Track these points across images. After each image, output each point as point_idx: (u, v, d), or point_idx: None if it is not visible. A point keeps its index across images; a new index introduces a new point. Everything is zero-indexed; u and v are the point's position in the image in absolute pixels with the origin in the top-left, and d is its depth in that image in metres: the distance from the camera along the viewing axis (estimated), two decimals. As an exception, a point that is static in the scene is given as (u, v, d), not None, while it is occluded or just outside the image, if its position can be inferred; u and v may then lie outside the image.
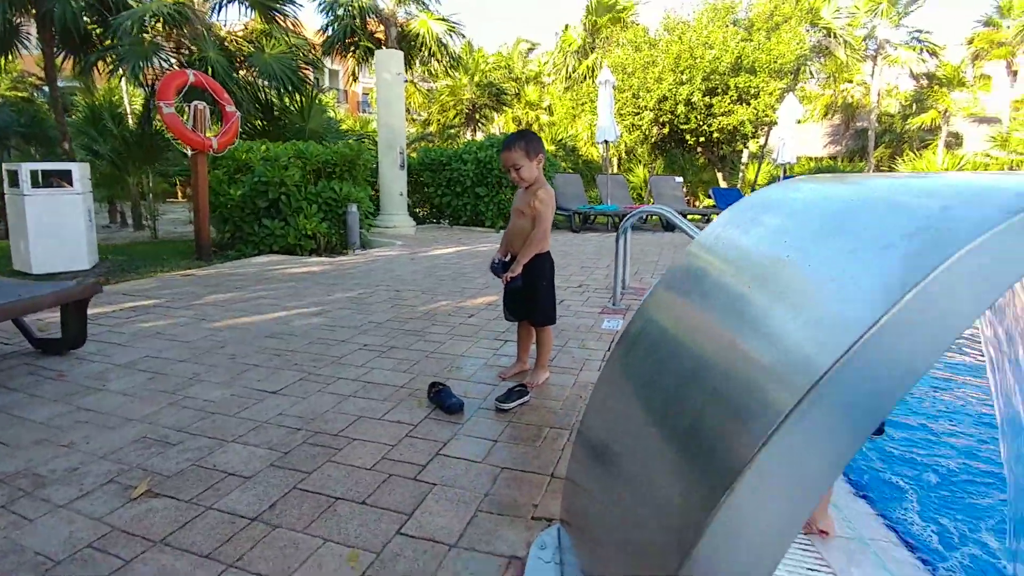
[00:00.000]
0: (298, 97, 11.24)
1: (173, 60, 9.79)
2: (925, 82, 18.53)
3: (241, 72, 10.86)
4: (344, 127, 18.94)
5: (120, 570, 1.46)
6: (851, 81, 19.22)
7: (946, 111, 18.08)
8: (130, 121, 11.12)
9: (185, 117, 6.08)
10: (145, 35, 8.87)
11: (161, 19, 8.93)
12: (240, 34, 11.28)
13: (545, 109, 23.92)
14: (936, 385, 3.33)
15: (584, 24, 18.22)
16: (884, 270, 0.65)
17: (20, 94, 15.22)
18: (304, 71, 11.29)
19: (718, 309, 1.06)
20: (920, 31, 17.13)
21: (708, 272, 1.26)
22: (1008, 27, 18.31)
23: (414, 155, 11.30)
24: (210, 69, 9.25)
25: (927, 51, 17.30)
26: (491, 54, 23.28)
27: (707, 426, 0.78)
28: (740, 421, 0.69)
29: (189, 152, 6.10)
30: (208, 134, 6.18)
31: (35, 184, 5.24)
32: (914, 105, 18.83)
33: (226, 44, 10.59)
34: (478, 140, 10.56)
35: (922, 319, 0.59)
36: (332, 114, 22.09)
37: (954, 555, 1.76)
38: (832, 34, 16.12)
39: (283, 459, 2.04)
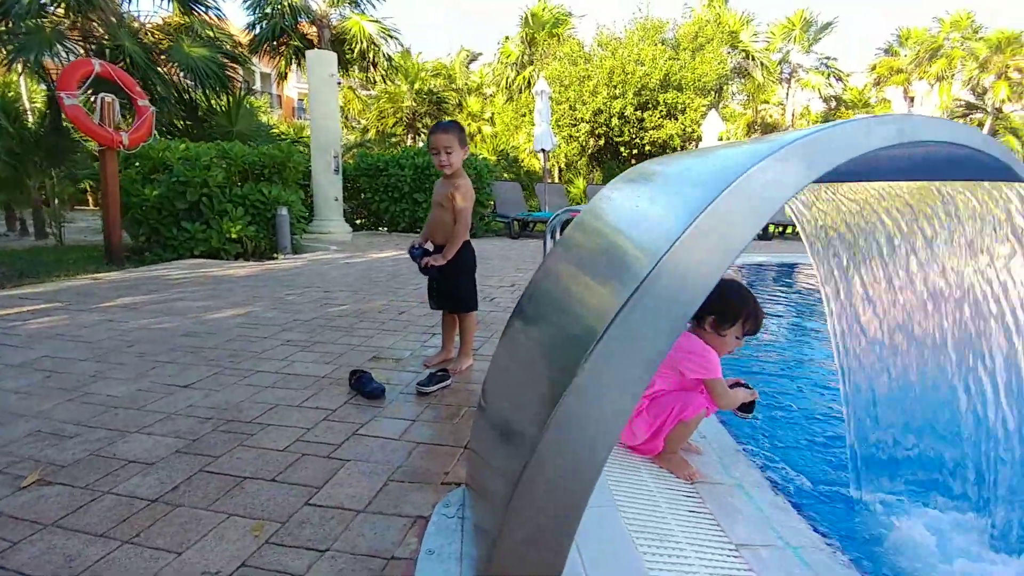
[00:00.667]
0: (225, 98, 10.89)
1: (81, 50, 9.20)
2: (834, 104, 20.00)
3: (164, 68, 10.41)
4: (276, 132, 18.45)
5: (6, 552, 1.39)
6: (768, 102, 20.50)
7: (854, 130, 19.58)
8: (30, 119, 10.40)
9: (93, 111, 5.74)
10: (45, 21, 8.30)
11: (64, 3, 8.39)
12: (157, 25, 10.76)
13: (487, 120, 24.18)
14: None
15: (522, 37, 18.61)
16: (690, 201, 0.79)
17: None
18: (230, 69, 10.95)
19: (586, 249, 1.28)
20: (828, 58, 18.53)
21: (581, 227, 1.49)
22: (905, 55, 20.09)
23: (351, 160, 11.16)
24: (127, 60, 8.83)
25: (834, 76, 18.70)
26: (430, 61, 23.36)
27: (562, 336, 0.90)
28: (588, 319, 0.82)
29: (97, 149, 5.79)
30: (120, 129, 5.88)
31: None
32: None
33: (141, 37, 10.11)
34: (417, 147, 10.52)
35: (712, 231, 0.76)
36: (264, 118, 21.50)
37: (815, 492, 1.94)
38: (750, 56, 17.18)
39: (190, 446, 1.98)
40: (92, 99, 5.78)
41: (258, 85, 30.30)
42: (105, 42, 9.00)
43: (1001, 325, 1.47)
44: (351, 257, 7.17)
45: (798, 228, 1.85)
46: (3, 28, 8.38)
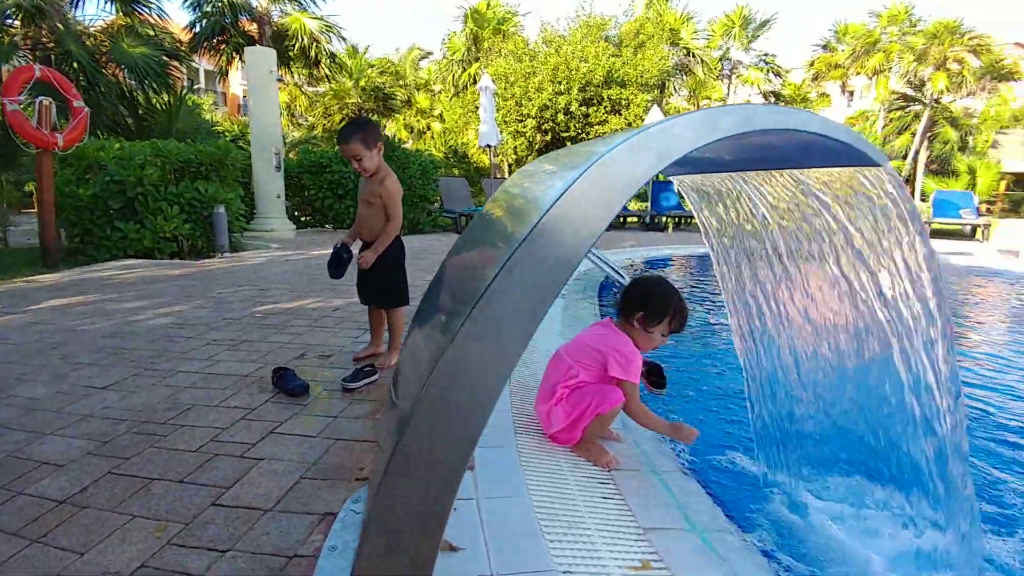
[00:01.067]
0: (165, 96, 10.52)
1: (32, 58, 8.87)
2: (773, 99, 20.76)
3: (106, 70, 10.00)
4: (220, 130, 17.85)
5: None
6: (710, 97, 21.13)
7: (791, 126, 20.38)
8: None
9: (31, 114, 5.58)
10: (4, 34, 8.00)
11: (21, 15, 8.10)
12: (100, 27, 10.37)
13: (437, 117, 24.02)
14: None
15: (467, 34, 18.58)
16: (566, 179, 0.89)
17: None
18: (171, 67, 10.59)
19: (488, 228, 1.36)
20: (767, 54, 19.19)
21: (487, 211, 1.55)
22: (843, 50, 21.00)
23: (294, 156, 10.94)
24: (74, 64, 8.46)
25: (773, 72, 19.39)
26: (376, 58, 22.99)
27: (449, 303, 0.98)
28: (476, 280, 0.92)
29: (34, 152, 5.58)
30: (56, 131, 5.67)
31: None
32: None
33: (85, 41, 9.71)
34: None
35: (582, 202, 0.86)
36: (208, 116, 20.76)
37: (727, 474, 2.07)
38: (691, 54, 17.66)
39: (102, 447, 1.96)
40: (31, 104, 5.60)
41: (202, 83, 29.22)
42: (52, 48, 8.63)
43: (889, 310, 1.52)
44: (291, 255, 7.06)
45: (697, 219, 1.96)
46: None
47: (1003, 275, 7.66)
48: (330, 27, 12.20)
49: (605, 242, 9.34)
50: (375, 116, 19.84)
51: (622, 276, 4.77)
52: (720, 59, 18.87)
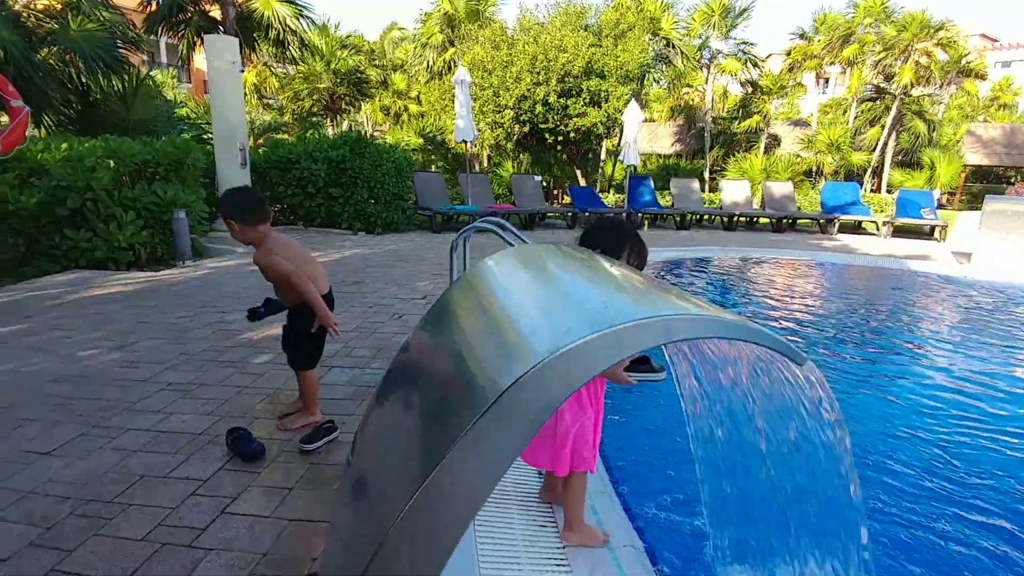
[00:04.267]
0: (119, 83, 10.02)
1: None
2: (751, 89, 20.81)
3: (44, 52, 9.46)
4: (183, 113, 17.16)
5: None
6: (691, 86, 21.08)
7: (766, 116, 20.50)
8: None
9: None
10: None
11: None
12: (40, 7, 9.79)
13: (413, 99, 23.51)
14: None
15: (440, 15, 18.13)
16: (558, 331, 0.87)
17: None
18: (124, 51, 10.09)
19: (472, 322, 1.34)
20: (746, 43, 19.14)
21: (470, 293, 1.53)
22: (819, 40, 21.09)
23: (262, 150, 10.59)
24: (2, 53, 7.96)
25: (750, 62, 19.39)
26: (348, 34, 22.28)
27: (438, 408, 1.05)
28: (470, 395, 0.94)
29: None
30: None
31: None
32: (741, 110, 21.12)
33: (22, 20, 9.15)
34: (329, 137, 10.10)
35: (568, 363, 0.82)
36: (170, 96, 19.94)
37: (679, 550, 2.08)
38: (671, 44, 17.53)
39: (44, 536, 1.87)
40: None
41: (164, 59, 27.94)
42: None
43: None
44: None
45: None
46: None
47: (955, 283, 7.89)
48: (301, 12, 11.76)
49: (573, 244, 9.30)
50: (349, 100, 19.34)
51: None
52: (699, 48, 18.75)
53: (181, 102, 19.84)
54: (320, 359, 2.74)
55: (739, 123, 21.20)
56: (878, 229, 12.86)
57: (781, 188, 14.11)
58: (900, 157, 21.64)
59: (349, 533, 1.31)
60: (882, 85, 21.49)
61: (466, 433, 0.83)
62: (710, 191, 18.86)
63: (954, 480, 2.67)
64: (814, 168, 20.15)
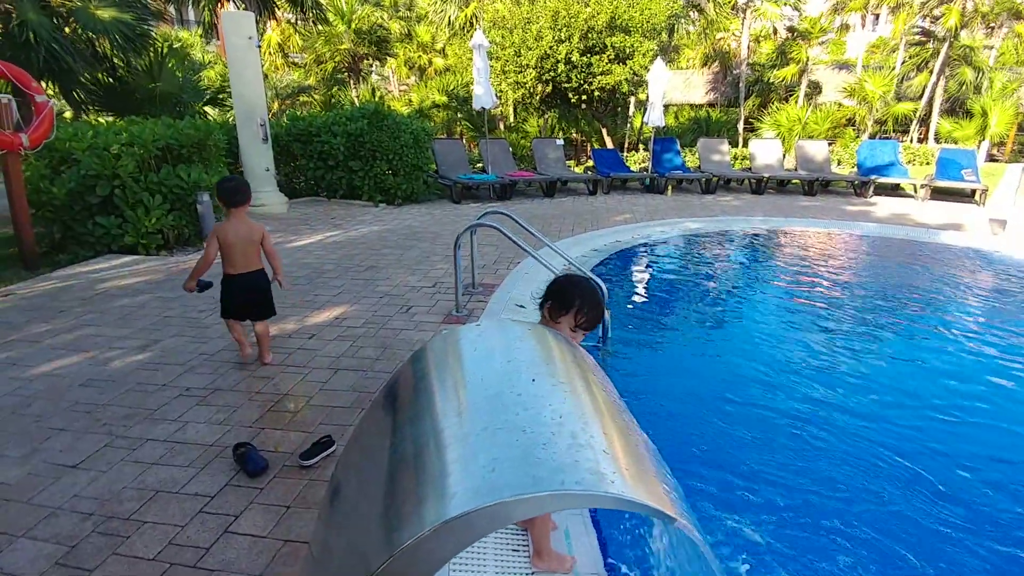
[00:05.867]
0: (145, 56, 10.15)
1: None
2: (789, 34, 19.64)
3: (69, 29, 9.59)
4: (211, 76, 17.26)
5: None
6: (726, 30, 20.01)
7: (805, 63, 19.34)
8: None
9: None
10: None
11: None
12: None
13: (439, 52, 23.01)
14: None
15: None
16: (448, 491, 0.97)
17: None
18: (147, 26, 10.15)
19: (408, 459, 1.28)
20: (784, -11, 17.96)
21: (401, 401, 1.52)
22: (865, -21, 19.65)
23: (284, 121, 10.66)
24: (31, 35, 8.11)
25: (789, 6, 18.23)
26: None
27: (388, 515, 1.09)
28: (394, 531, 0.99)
29: None
30: (20, 130, 5.54)
31: None
32: (778, 57, 19.98)
33: (50, 1, 9.26)
34: (346, 110, 10.07)
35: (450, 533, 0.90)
36: (199, 55, 20.01)
37: None
38: (702, -10, 16.57)
39: (69, 555, 2.11)
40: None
41: (192, 15, 27.80)
42: (11, 10, 8.22)
43: None
44: (279, 243, 7.06)
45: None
46: None
47: (984, 258, 7.56)
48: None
49: (591, 216, 9.22)
50: (370, 61, 19.07)
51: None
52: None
53: (210, 62, 19.94)
54: (227, 312, 3.57)
55: (776, 71, 20.11)
56: (916, 192, 12.24)
57: (815, 148, 13.50)
58: (948, 105, 20.31)
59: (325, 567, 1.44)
60: (930, 28, 20.02)
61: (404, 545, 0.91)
62: (743, 145, 18.17)
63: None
64: (856, 117, 19.08)
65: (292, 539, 2.20)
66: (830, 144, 15.51)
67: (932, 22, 20.09)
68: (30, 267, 5.80)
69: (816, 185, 12.60)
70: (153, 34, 10.27)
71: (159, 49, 10.44)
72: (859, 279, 6.62)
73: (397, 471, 1.22)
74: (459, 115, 19.27)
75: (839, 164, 16.14)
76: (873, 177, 12.14)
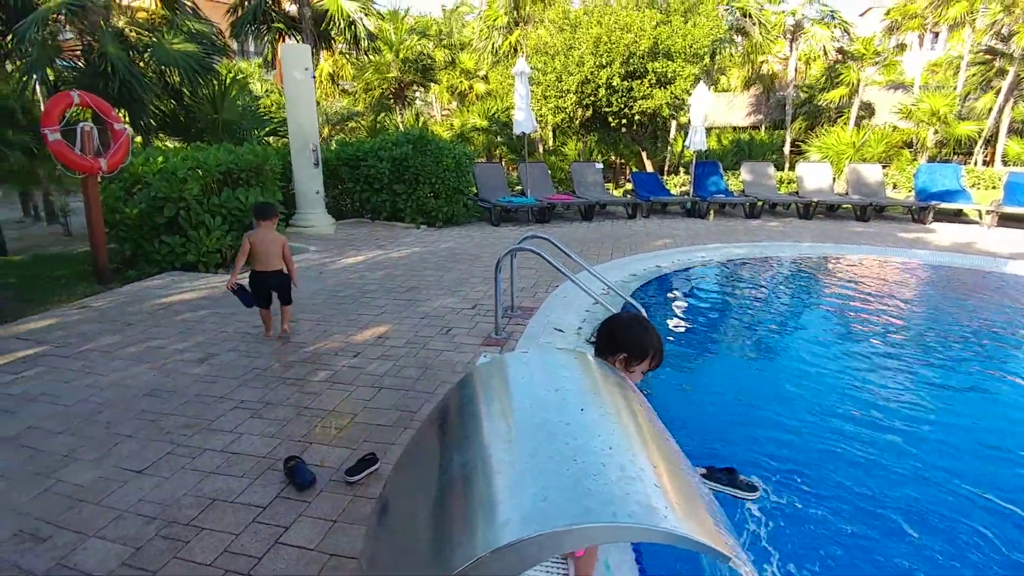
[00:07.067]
0: (210, 88, 10.84)
1: (80, 63, 9.32)
2: (838, 56, 19.33)
3: (141, 62, 10.34)
4: (267, 103, 18.19)
5: None
6: (769, 54, 19.84)
7: (856, 85, 18.95)
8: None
9: (73, 141, 5.89)
10: (45, 34, 8.38)
11: (63, 15, 8.46)
12: (141, 18, 10.67)
13: (481, 78, 23.63)
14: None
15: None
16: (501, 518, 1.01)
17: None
18: (214, 60, 10.86)
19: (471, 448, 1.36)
20: (833, 11, 17.73)
21: (451, 426, 1.57)
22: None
23: (333, 146, 11.15)
24: (109, 66, 8.80)
25: (839, 28, 17.97)
26: (416, 17, 22.52)
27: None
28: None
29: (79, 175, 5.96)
30: (99, 155, 6.02)
31: None
32: (828, 80, 19.66)
33: (126, 33, 10.03)
34: (392, 135, 10.47)
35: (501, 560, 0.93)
36: (256, 86, 21.13)
37: None
38: (747, 14, 16.53)
39: (135, 556, 2.26)
40: (72, 128, 5.88)
41: (252, 47, 29.50)
42: (93, 47, 8.97)
43: None
44: (325, 262, 7.35)
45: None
46: (9, 41, 8.49)
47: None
48: (367, 7, 12.12)
49: (630, 240, 9.22)
50: (415, 87, 19.71)
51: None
52: (783, 14, 17.54)
53: (267, 91, 21.04)
54: (252, 303, 4.50)
55: (825, 94, 19.76)
56: (981, 218, 11.70)
57: (869, 171, 13.14)
58: (1019, 125, 19.48)
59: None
60: (996, 46, 19.30)
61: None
62: (789, 168, 17.85)
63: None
64: (914, 140, 18.48)
65: (338, 553, 2.30)
66: (884, 167, 15.08)
67: (1000, 40, 19.41)
68: (102, 281, 6.22)
69: (869, 210, 12.23)
70: (217, 66, 10.96)
71: (223, 80, 11.13)
72: (921, 310, 6.40)
73: (446, 495, 1.28)
74: (498, 139, 19.68)
75: (894, 188, 15.64)
76: (933, 203, 11.68)
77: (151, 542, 2.34)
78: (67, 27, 9.32)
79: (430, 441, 1.68)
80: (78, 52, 9.58)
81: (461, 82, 23.99)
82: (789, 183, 15.66)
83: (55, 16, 8.42)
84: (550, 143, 20.18)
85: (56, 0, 8.23)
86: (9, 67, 9.44)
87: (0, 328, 4.86)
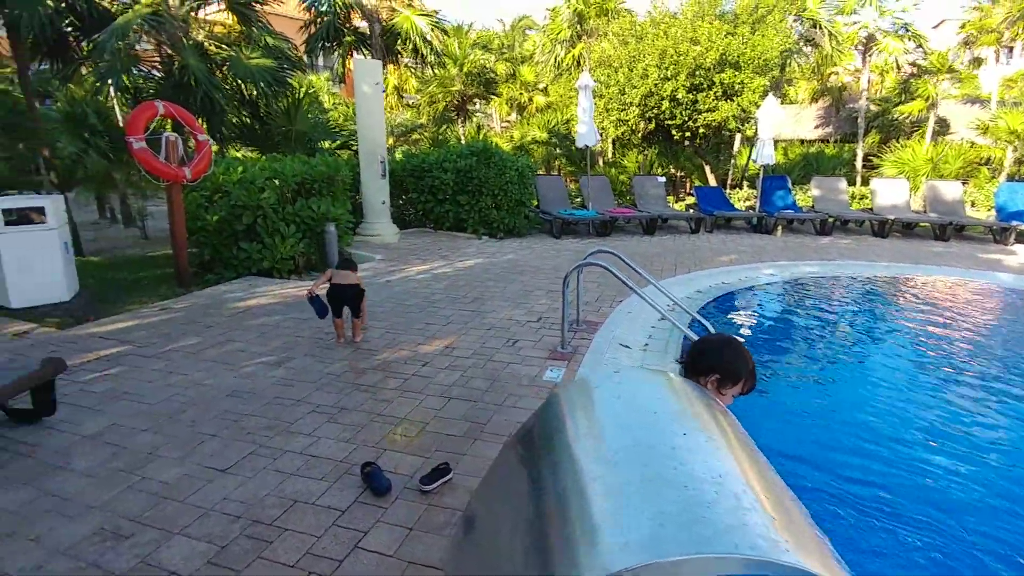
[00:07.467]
0: (284, 100, 11.35)
1: (156, 72, 9.92)
2: (912, 70, 18.38)
3: (220, 74, 10.94)
4: (335, 116, 18.91)
5: None
6: (839, 66, 19.05)
7: (931, 99, 17.93)
8: (120, 122, 11.19)
9: (158, 149, 6.22)
10: (123, 44, 8.95)
11: (141, 28, 9.03)
12: (219, 32, 11.29)
13: (541, 91, 23.77)
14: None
15: (570, 11, 18.05)
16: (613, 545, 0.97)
17: (-4, 85, 14.81)
18: (288, 73, 11.38)
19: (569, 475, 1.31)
20: (906, 24, 16.88)
21: (542, 446, 1.53)
22: (998, 13, 18.11)
23: (399, 156, 11.44)
24: (192, 79, 9.36)
25: (912, 40, 17.09)
26: (478, 31, 22.94)
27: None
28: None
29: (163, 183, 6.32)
30: (183, 164, 6.36)
31: (9, 222, 5.36)
32: (902, 93, 18.70)
33: (205, 47, 10.65)
34: (457, 147, 10.66)
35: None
36: (325, 99, 22.02)
37: None
38: (817, 26, 15.96)
39: (219, 555, 2.33)
40: (158, 139, 6.21)
41: (320, 61, 30.86)
42: (175, 59, 9.56)
43: None
44: (391, 272, 7.51)
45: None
46: (86, 48, 9.16)
47: None
48: (437, 24, 12.45)
49: (694, 255, 8.99)
50: (476, 100, 20.03)
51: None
52: (853, 25, 16.84)
53: (335, 104, 21.90)
54: (322, 313, 4.72)
55: (900, 108, 18.79)
56: (1070, 239, 10.82)
57: (948, 189, 12.39)
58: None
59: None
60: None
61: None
62: (862, 184, 17.02)
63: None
64: (992, 157, 17.31)
65: (415, 561, 2.30)
66: (963, 184, 14.19)
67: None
68: (183, 284, 6.57)
69: (949, 230, 11.50)
70: (291, 80, 11.48)
71: (296, 93, 11.65)
72: (1003, 337, 5.94)
73: (541, 516, 1.24)
74: (557, 150, 19.69)
75: (972, 206, 14.70)
76: (1015, 223, 10.90)
77: (236, 541, 2.42)
78: (145, 38, 9.93)
79: (517, 459, 1.65)
80: (156, 62, 10.20)
81: (521, 94, 24.22)
82: (861, 199, 14.92)
83: (134, 28, 8.99)
84: (609, 155, 20.04)
85: (136, 12, 8.80)
86: (84, 71, 10.05)
87: (83, 327, 5.19)
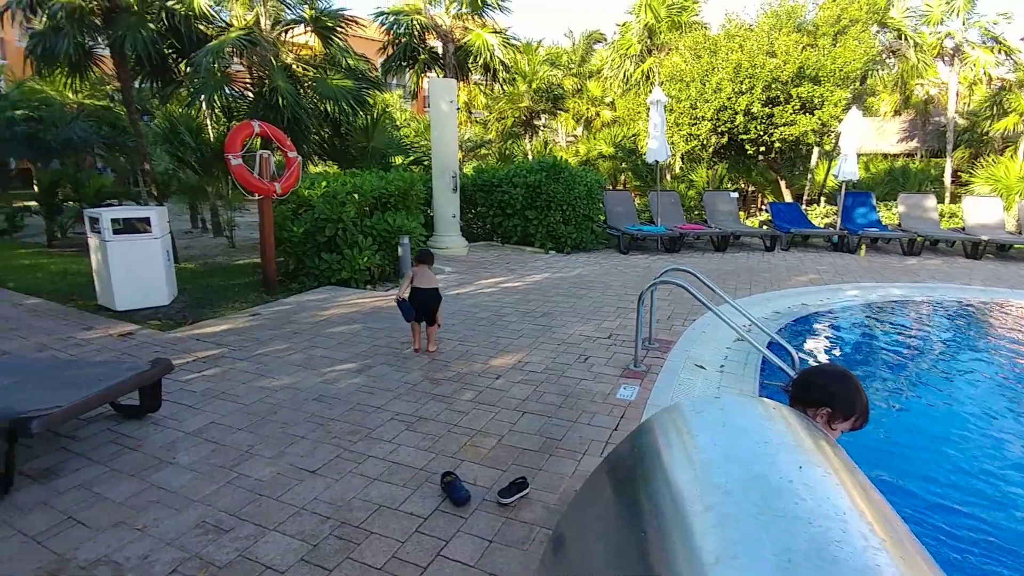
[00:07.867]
0: (363, 118, 11.91)
1: (249, 94, 10.64)
2: (1003, 82, 17.06)
3: (303, 94, 11.60)
4: (407, 133, 19.63)
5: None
6: (924, 78, 17.92)
7: None
8: (212, 137, 12.06)
9: (252, 165, 6.69)
10: (218, 63, 9.67)
11: (235, 49, 9.74)
12: (306, 55, 12.01)
13: (608, 105, 23.74)
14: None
15: (640, 26, 17.95)
16: None
17: (98, 102, 15.67)
18: (367, 93, 11.93)
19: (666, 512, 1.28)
20: (996, 36, 15.70)
21: (637, 479, 1.54)
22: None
23: (470, 171, 11.70)
24: (280, 99, 9.98)
25: (1002, 52, 15.85)
26: (547, 47, 23.15)
27: None
28: None
29: (257, 197, 6.77)
30: (275, 180, 6.79)
31: (117, 230, 5.89)
32: (993, 107, 17.37)
33: (292, 68, 11.34)
34: (527, 163, 10.79)
35: None
36: (397, 115, 22.89)
37: None
38: (902, 36, 15.13)
39: (312, 553, 2.45)
40: (252, 154, 6.71)
41: (394, 79, 32.21)
42: (265, 80, 10.23)
43: None
44: (461, 285, 7.66)
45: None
46: (184, 68, 9.94)
47: None
48: (508, 41, 12.72)
49: (770, 275, 8.66)
50: (545, 116, 20.22)
51: (791, 362, 4.44)
52: (943, 37, 15.85)
53: (406, 120, 22.74)
54: (409, 316, 4.89)
55: (992, 123, 17.45)
56: None
57: (1054, 206, 11.35)
58: None
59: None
60: None
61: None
62: (950, 201, 15.89)
63: None
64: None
65: (496, 574, 2.34)
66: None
67: None
68: (270, 292, 6.97)
69: (1055, 251, 10.54)
70: (369, 99, 12.02)
71: (374, 112, 12.20)
72: None
73: (643, 546, 1.21)
74: (623, 165, 19.54)
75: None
76: None
77: (326, 540, 2.53)
78: (237, 59, 10.68)
79: (610, 486, 1.63)
80: (247, 83, 10.95)
81: (588, 109, 24.26)
82: (951, 217, 13.93)
83: (229, 50, 9.68)
84: (677, 170, 19.69)
85: (231, 34, 9.48)
86: (182, 92, 10.92)
87: (182, 330, 5.59)
